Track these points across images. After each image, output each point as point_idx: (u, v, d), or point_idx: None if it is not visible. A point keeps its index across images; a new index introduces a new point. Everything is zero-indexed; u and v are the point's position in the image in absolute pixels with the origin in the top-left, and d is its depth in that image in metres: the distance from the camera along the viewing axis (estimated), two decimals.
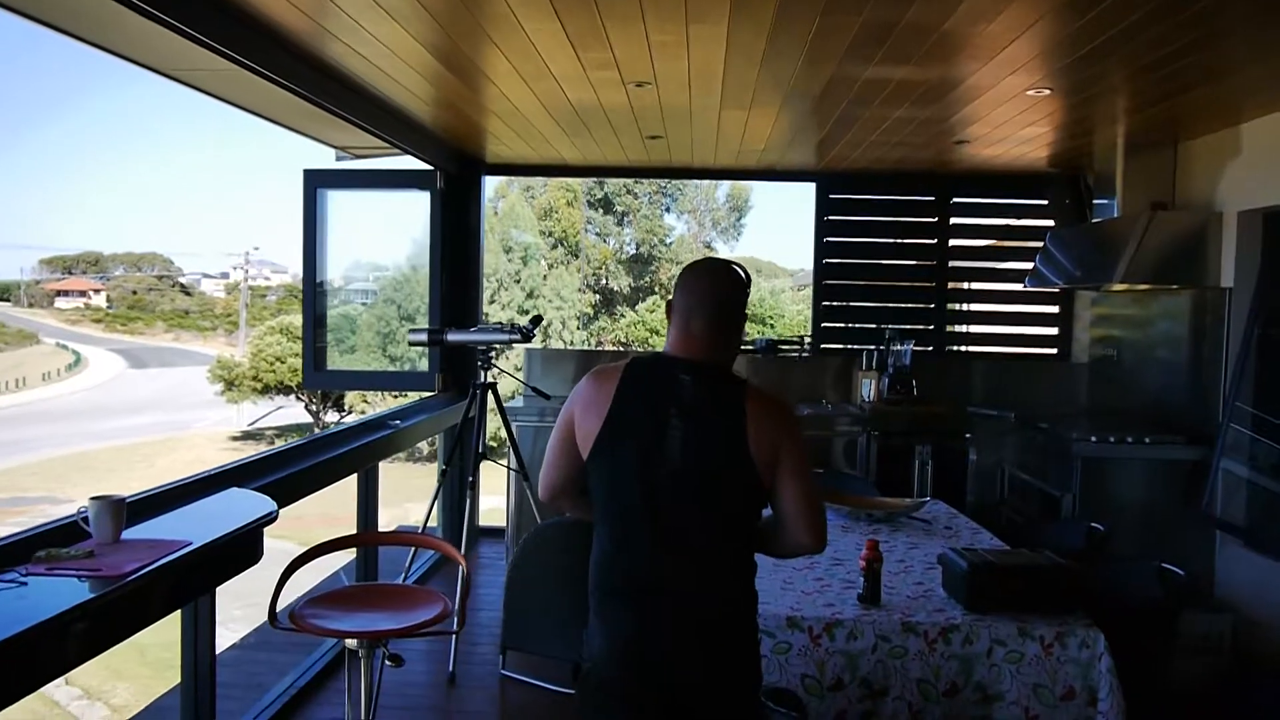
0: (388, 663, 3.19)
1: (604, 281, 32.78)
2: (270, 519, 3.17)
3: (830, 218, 7.31)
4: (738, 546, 2.27)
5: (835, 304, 7.36)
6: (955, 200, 7.25)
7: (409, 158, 6.32)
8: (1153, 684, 3.37)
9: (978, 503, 6.41)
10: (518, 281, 29.77)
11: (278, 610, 3.16)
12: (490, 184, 33.99)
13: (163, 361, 51.87)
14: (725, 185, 35.35)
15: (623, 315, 31.29)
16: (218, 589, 3.27)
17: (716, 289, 2.36)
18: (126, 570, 2.55)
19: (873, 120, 5.33)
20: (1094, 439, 5.42)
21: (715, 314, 2.35)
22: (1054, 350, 7.29)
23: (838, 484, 5.18)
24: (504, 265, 29.47)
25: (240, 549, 3.03)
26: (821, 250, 7.33)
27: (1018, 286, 7.10)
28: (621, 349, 25.46)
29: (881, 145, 6.05)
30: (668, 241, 34.25)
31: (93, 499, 2.81)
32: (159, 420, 36.95)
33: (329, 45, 4.16)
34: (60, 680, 14.12)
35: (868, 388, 6.92)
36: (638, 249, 33.68)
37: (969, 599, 3.12)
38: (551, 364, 7.31)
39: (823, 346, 7.30)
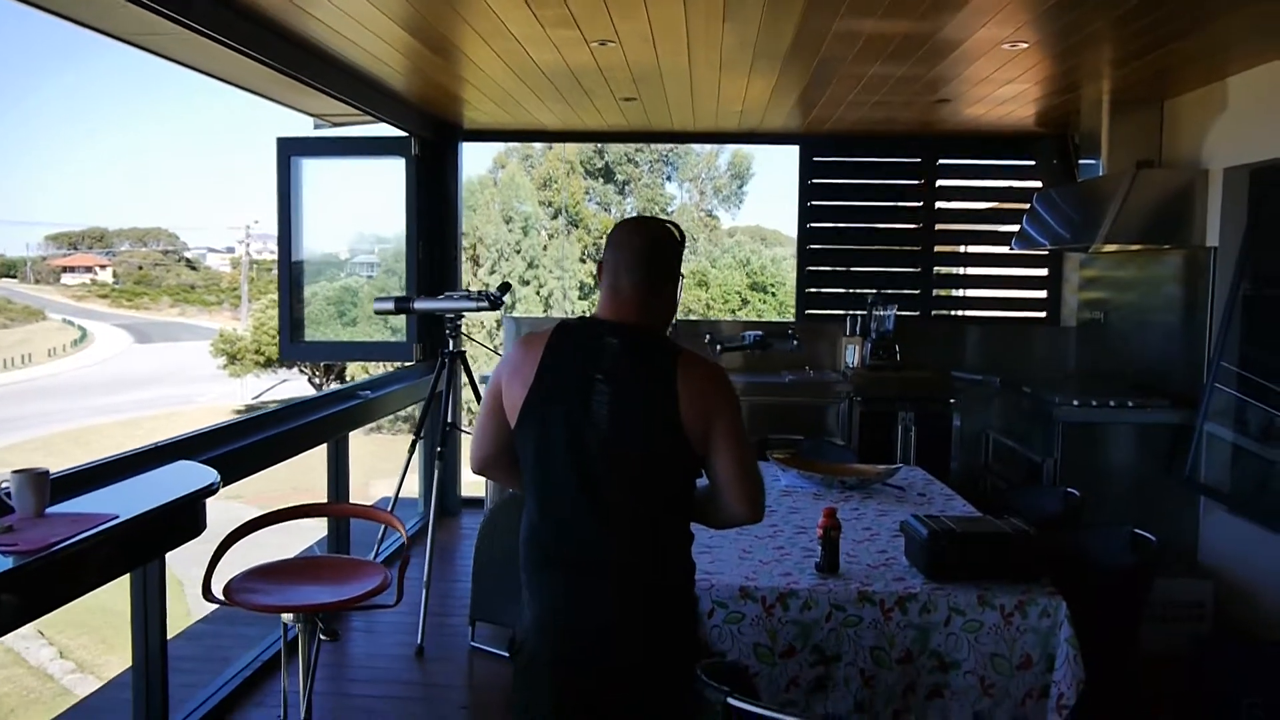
0: (322, 637, 3.08)
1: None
2: (210, 490, 3.08)
3: (815, 181, 7.18)
4: (670, 517, 2.20)
5: (820, 268, 7.25)
6: (942, 162, 7.12)
7: (386, 125, 6.22)
8: (1125, 650, 3.26)
9: (962, 470, 6.32)
10: (518, 252, 29.52)
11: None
12: (488, 153, 33.99)
13: (168, 336, 51.79)
14: (727, 152, 35.03)
15: None
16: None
17: (646, 246, 2.27)
18: (44, 544, 2.47)
19: (849, 78, 5.20)
20: (1076, 403, 5.31)
21: (645, 272, 2.25)
22: (1043, 314, 7.17)
23: (817, 453, 5.09)
24: (504, 235, 29.25)
25: (177, 521, 2.96)
26: (806, 214, 7.21)
27: (1005, 249, 6.98)
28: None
29: (862, 105, 5.91)
30: (669, 210, 33.95)
31: (14, 472, 2.73)
32: (163, 394, 36.94)
33: (300, 18, 4.11)
34: (55, 654, 14.14)
35: (852, 354, 6.82)
36: None
37: (929, 567, 3.03)
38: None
39: (806, 313, 7.19)
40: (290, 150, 6.32)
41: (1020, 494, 4.38)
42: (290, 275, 6.30)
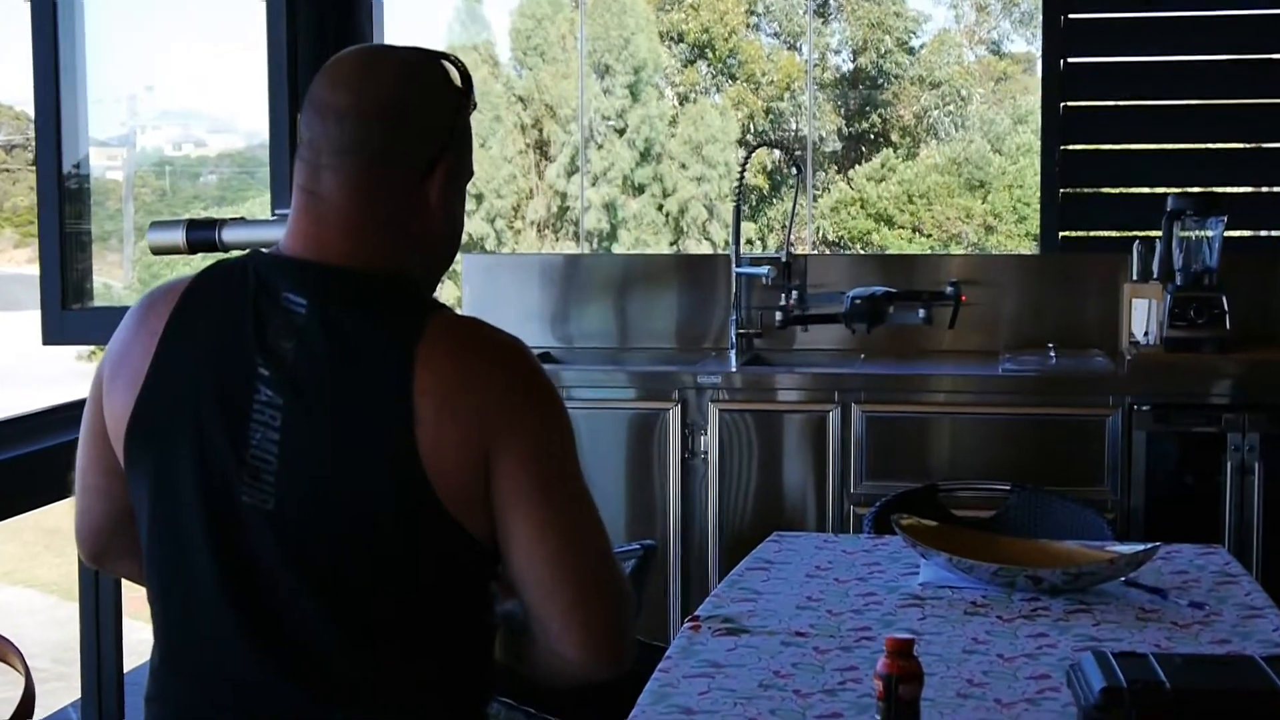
0: None
1: (788, 124, 20.70)
2: None
3: None
4: (418, 659, 1.68)
5: (1083, 148, 5.28)
6: None
7: None
8: None
9: None
10: (620, 131, 19.91)
11: None
12: None
13: (10, 303, 46.82)
14: None
15: (825, 189, 20.71)
16: None
17: (369, 104, 1.70)
18: None
19: None
20: None
21: (365, 158, 1.69)
22: None
23: (1029, 517, 3.65)
24: (598, 101, 20.09)
25: None
26: (1057, 45, 5.24)
27: None
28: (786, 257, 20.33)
29: None
30: (913, 45, 21.33)
31: None
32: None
33: None
34: None
35: (1142, 316, 4.79)
36: (855, 61, 21.11)
37: None
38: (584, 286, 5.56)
39: (1062, 235, 5.38)
40: None
41: None
42: (61, 195, 4.63)
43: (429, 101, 1.78)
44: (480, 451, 1.65)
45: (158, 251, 3.66)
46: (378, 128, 1.72)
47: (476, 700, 1.80)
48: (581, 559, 1.70)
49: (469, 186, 1.93)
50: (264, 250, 1.82)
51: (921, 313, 4.58)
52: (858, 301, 2.43)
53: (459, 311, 1.81)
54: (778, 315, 4.62)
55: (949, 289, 3.12)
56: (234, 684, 1.73)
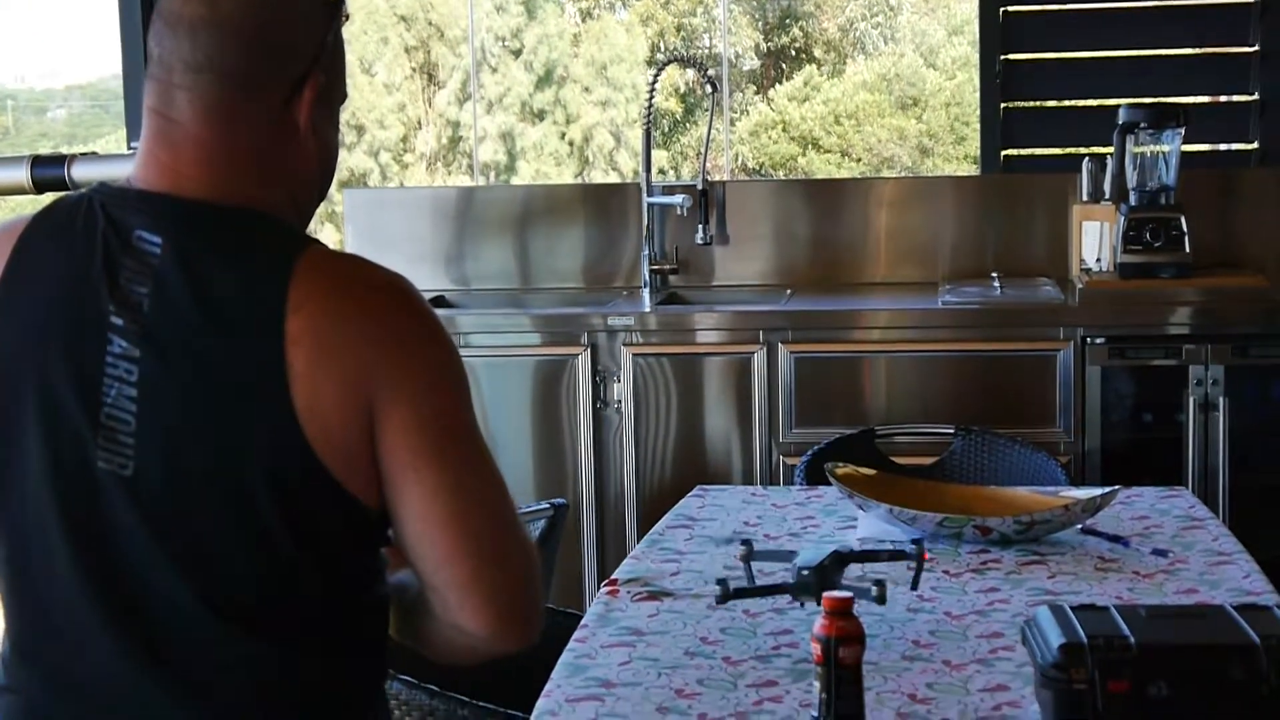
0: None
1: (701, 41, 25.56)
2: None
3: None
4: (303, 640, 1.70)
5: (1025, 57, 5.40)
6: None
7: None
8: None
9: None
10: (516, 53, 20.18)
11: None
12: None
13: None
14: None
15: (743, 112, 21.38)
16: None
17: (227, 13, 1.70)
18: None
19: None
20: None
21: (223, 76, 1.71)
22: None
23: (972, 462, 3.86)
24: (489, 20, 19.99)
25: None
26: None
27: None
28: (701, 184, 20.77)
29: None
30: None
31: None
32: None
33: None
34: None
35: (1093, 241, 4.90)
36: None
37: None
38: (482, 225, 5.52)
39: (1004, 155, 5.49)
40: None
41: None
42: None
43: (294, 12, 1.78)
44: (363, 406, 1.67)
45: (2, 192, 3.65)
46: (235, 42, 1.72)
47: (369, 683, 1.82)
48: (480, 523, 1.71)
49: (346, 115, 1.90)
50: (111, 184, 1.81)
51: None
52: (805, 573, 2.53)
53: (336, 250, 1.84)
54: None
55: (909, 547, 3.03)
56: (93, 674, 1.73)
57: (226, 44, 1.72)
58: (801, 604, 2.35)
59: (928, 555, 2.57)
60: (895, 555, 2.62)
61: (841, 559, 2.42)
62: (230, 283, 1.68)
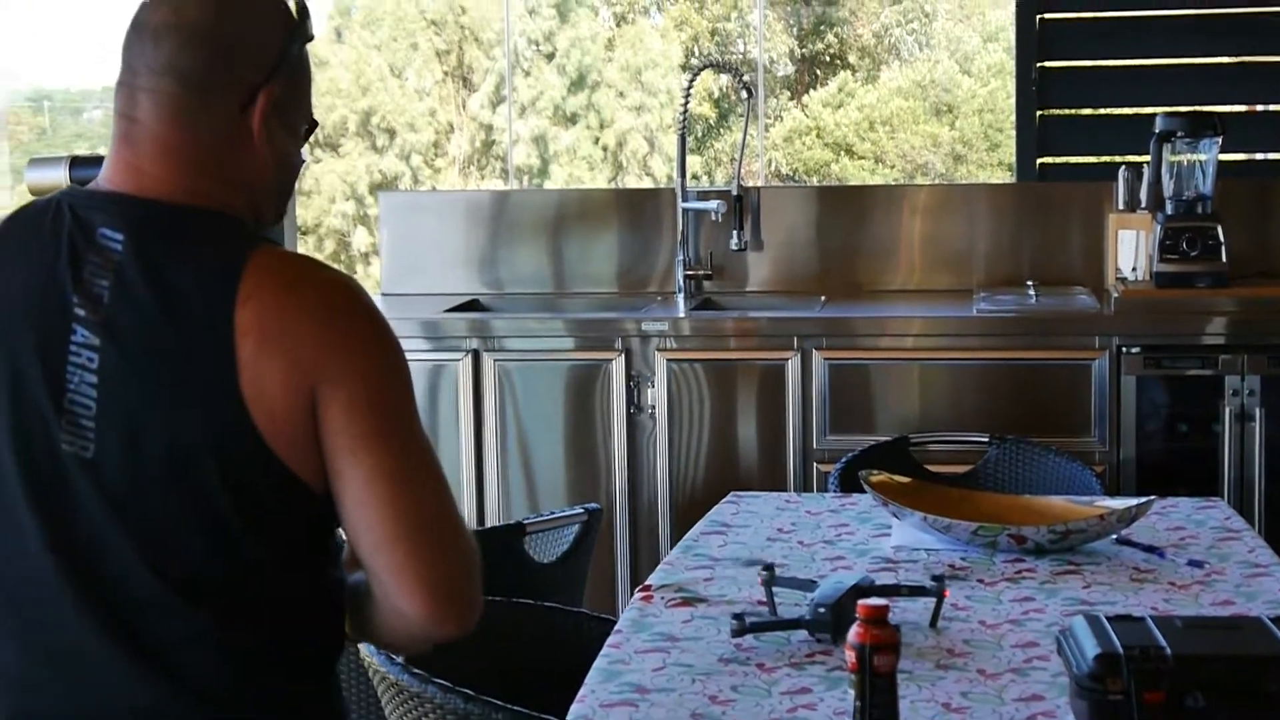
0: None
1: (735, 46, 25.47)
2: None
3: None
4: (258, 617, 1.77)
5: (1061, 65, 5.39)
6: None
7: None
8: None
9: None
10: (549, 56, 19.88)
11: None
12: None
13: None
14: None
15: (777, 117, 20.92)
16: None
17: (190, 21, 1.78)
18: None
19: None
20: None
21: (183, 81, 1.78)
22: None
23: (1009, 470, 3.82)
24: (521, 24, 19.52)
25: None
26: None
27: None
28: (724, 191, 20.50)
29: None
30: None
31: None
32: None
33: None
34: None
35: (1129, 250, 4.84)
36: None
37: None
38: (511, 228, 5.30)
39: (1039, 163, 5.47)
40: None
41: None
42: None
43: (254, 24, 1.86)
44: (306, 393, 1.74)
45: (38, 193, 3.60)
46: (196, 46, 1.80)
47: (323, 655, 1.88)
48: (416, 508, 1.76)
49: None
50: (80, 186, 1.90)
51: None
52: (821, 610, 2.47)
53: (289, 250, 1.93)
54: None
55: (930, 584, 2.95)
56: (65, 647, 1.79)
57: (187, 48, 1.80)
58: (818, 640, 2.34)
59: (948, 593, 2.56)
60: (915, 591, 2.60)
61: (860, 594, 2.41)
62: (185, 277, 1.76)
